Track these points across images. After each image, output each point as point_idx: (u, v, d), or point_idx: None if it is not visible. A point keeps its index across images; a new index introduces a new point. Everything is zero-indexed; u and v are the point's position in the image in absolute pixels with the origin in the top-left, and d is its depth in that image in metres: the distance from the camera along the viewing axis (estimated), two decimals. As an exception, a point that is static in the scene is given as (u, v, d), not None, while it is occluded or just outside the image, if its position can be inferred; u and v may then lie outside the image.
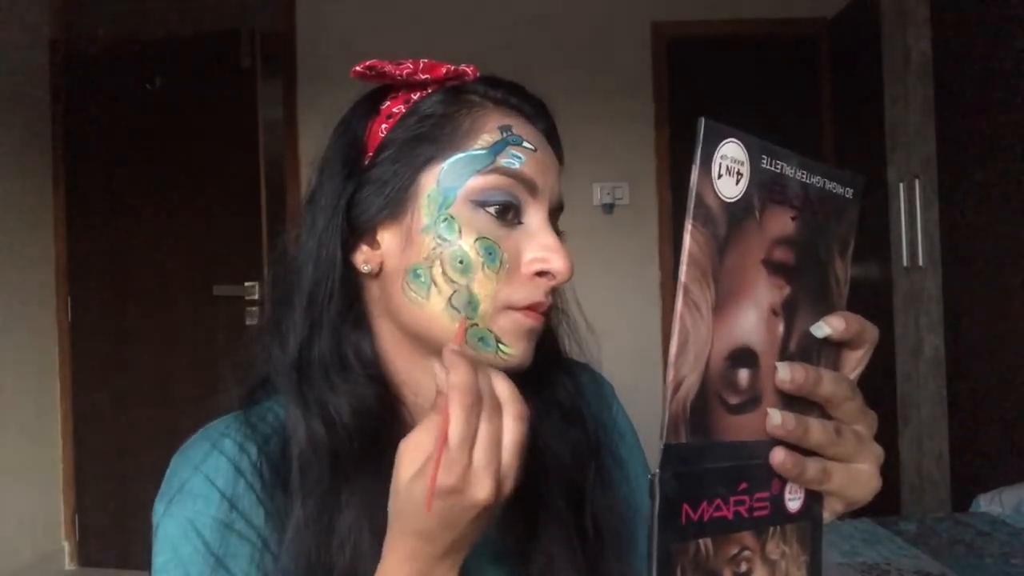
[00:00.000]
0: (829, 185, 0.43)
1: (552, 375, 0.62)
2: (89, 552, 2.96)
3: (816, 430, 0.40)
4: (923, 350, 2.36)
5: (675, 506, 0.36)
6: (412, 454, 0.44)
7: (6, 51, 2.73)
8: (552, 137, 0.59)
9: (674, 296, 0.36)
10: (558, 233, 0.56)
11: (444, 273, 0.52)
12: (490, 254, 0.52)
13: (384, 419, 0.54)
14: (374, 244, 0.55)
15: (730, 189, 0.37)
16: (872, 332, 0.43)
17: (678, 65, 3.10)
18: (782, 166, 0.40)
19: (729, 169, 0.37)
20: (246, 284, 2.81)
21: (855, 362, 0.44)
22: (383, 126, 0.56)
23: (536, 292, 0.53)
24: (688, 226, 0.36)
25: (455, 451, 0.42)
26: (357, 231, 0.55)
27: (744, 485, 0.39)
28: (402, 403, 0.58)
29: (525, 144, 0.54)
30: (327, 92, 3.12)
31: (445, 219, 0.52)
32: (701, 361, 0.36)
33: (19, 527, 2.71)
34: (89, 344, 2.97)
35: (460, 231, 0.52)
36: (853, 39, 2.88)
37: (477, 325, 0.52)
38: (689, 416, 0.36)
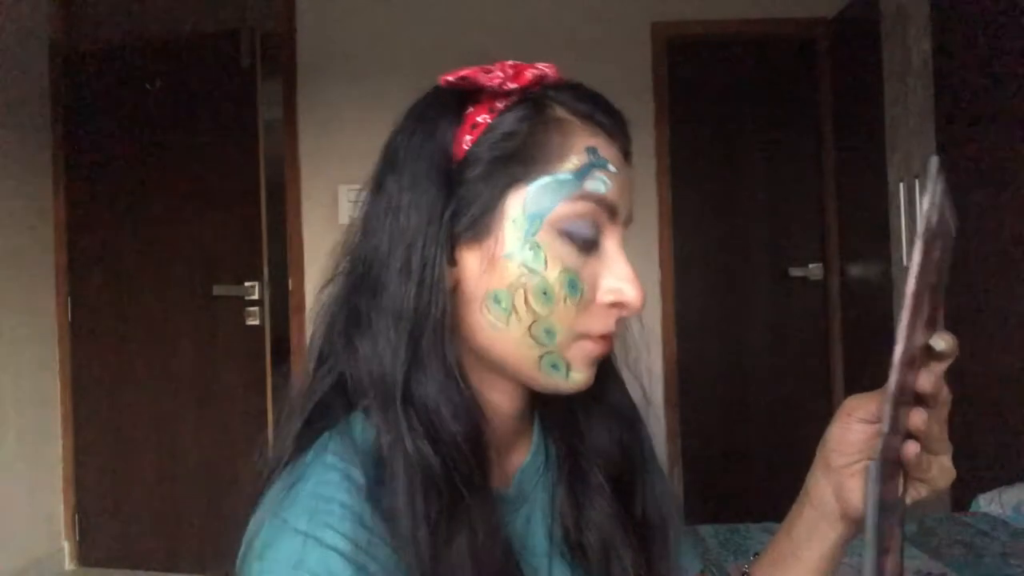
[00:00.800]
0: (949, 217, 0.49)
1: (608, 376, 0.62)
2: (89, 552, 2.95)
3: (936, 428, 0.49)
4: (923, 350, 2.36)
5: (881, 490, 0.43)
6: None
7: (6, 51, 2.73)
8: (629, 153, 0.58)
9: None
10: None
11: (526, 302, 0.51)
12: (573, 287, 0.52)
13: (482, 427, 0.53)
14: (452, 261, 0.53)
15: (935, 218, 0.44)
16: (957, 350, 0.49)
17: (678, 65, 3.10)
18: (945, 201, 0.46)
19: (936, 203, 0.44)
20: (246, 284, 2.81)
21: (942, 370, 0.50)
22: (468, 137, 0.54)
23: (609, 322, 0.54)
24: (919, 245, 0.42)
25: None
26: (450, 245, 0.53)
27: (893, 472, 0.46)
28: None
29: (610, 167, 0.54)
30: (327, 92, 3.12)
31: (531, 247, 0.51)
32: (906, 363, 0.43)
33: (19, 527, 2.72)
34: (89, 344, 2.97)
35: (546, 262, 0.51)
36: (853, 39, 2.88)
37: (552, 353, 0.52)
38: (894, 412, 0.43)
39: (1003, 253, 2.10)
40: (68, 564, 2.94)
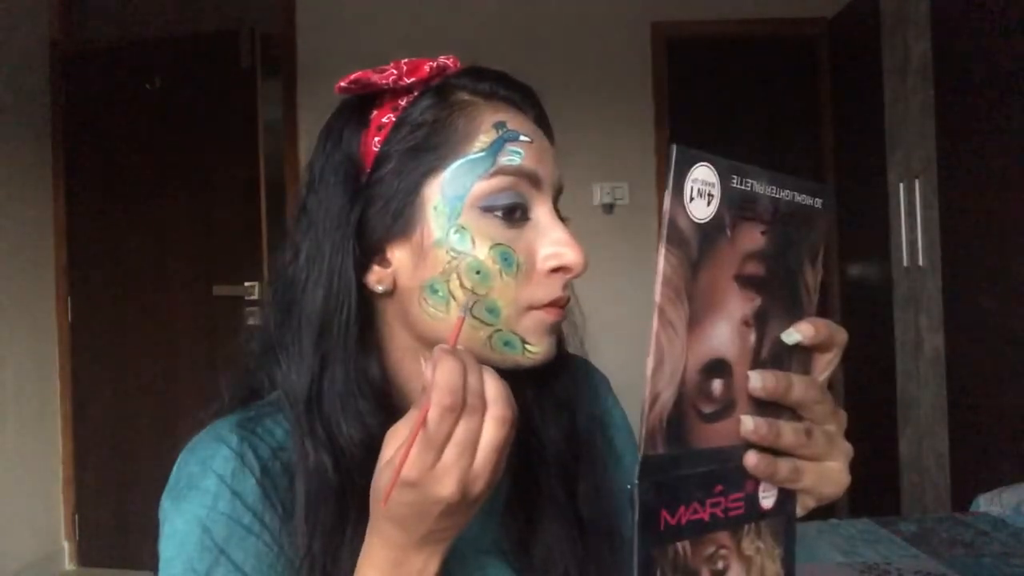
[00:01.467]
0: (799, 197, 0.44)
1: (551, 366, 0.62)
2: (89, 552, 2.96)
3: (788, 433, 0.43)
4: (923, 350, 2.36)
5: (654, 514, 0.38)
6: (391, 442, 0.45)
7: (6, 51, 2.73)
8: (543, 122, 0.58)
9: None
10: (562, 220, 0.56)
11: (462, 285, 0.51)
12: (506, 260, 0.52)
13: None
14: (384, 262, 0.54)
15: (701, 211, 0.39)
16: (840, 335, 0.45)
17: (678, 65, 3.10)
18: (752, 184, 0.42)
19: (700, 192, 0.39)
20: (246, 284, 2.81)
21: (825, 365, 0.46)
22: (376, 139, 0.54)
23: (554, 288, 0.53)
24: (662, 249, 0.38)
25: (422, 446, 0.43)
26: (367, 251, 0.54)
27: (720, 487, 0.41)
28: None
29: (522, 137, 0.53)
30: (327, 92, 3.07)
31: (456, 230, 0.52)
32: (676, 376, 0.39)
33: (19, 527, 2.72)
34: (89, 344, 2.97)
35: (473, 241, 0.51)
36: (853, 39, 2.88)
37: (501, 330, 0.52)
38: (665, 428, 0.39)
39: (1005, 252, 2.10)
40: (68, 564, 2.95)
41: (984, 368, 2.19)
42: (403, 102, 0.55)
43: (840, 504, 2.56)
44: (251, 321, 2.82)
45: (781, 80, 3.18)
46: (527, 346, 0.53)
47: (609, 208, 3.01)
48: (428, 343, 0.54)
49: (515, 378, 0.57)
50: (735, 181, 0.40)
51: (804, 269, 0.45)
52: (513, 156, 0.53)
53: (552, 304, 0.53)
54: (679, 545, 0.40)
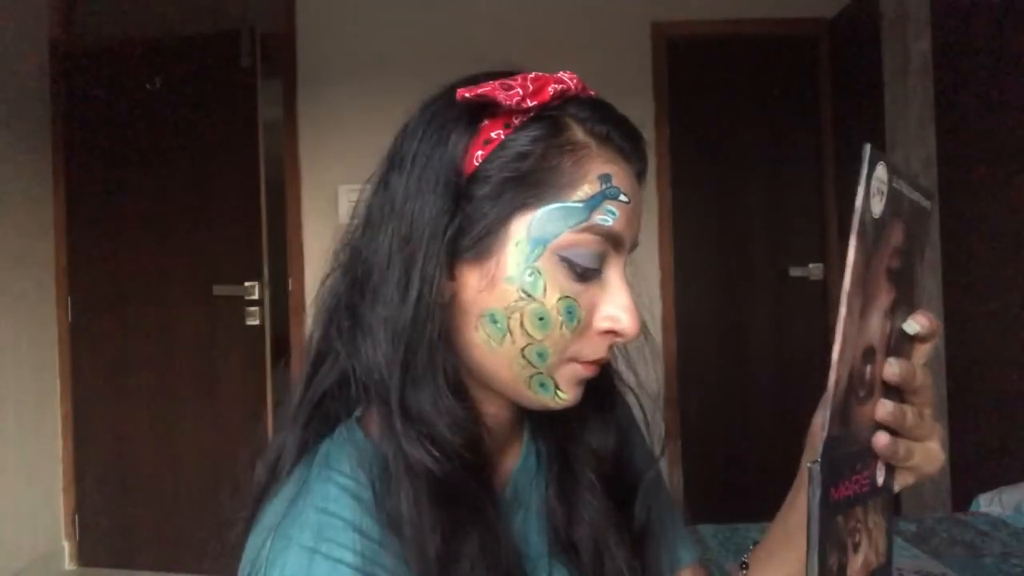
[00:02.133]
0: (916, 196, 0.48)
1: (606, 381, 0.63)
2: (89, 552, 2.95)
3: (909, 415, 0.47)
4: (923, 350, 2.36)
5: (827, 490, 0.42)
6: None
7: (6, 51, 2.73)
8: (643, 173, 0.58)
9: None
10: (628, 283, 0.55)
11: (522, 326, 0.51)
12: (570, 314, 0.51)
13: (482, 436, 0.54)
14: (451, 275, 0.53)
15: (877, 207, 0.42)
16: (939, 326, 0.49)
17: (678, 65, 3.10)
18: (901, 183, 0.45)
19: (879, 190, 0.42)
20: (246, 284, 2.81)
21: (925, 352, 0.49)
22: (479, 152, 0.52)
23: (601, 348, 0.54)
24: (853, 242, 0.41)
25: None
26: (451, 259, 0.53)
27: (859, 466, 0.46)
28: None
29: (621, 197, 0.52)
30: (327, 92, 3.12)
31: (531, 273, 0.51)
32: (849, 360, 0.42)
33: (19, 527, 2.71)
34: (89, 344, 2.97)
35: (545, 289, 0.51)
36: (853, 39, 2.88)
37: (542, 374, 0.53)
38: (840, 410, 0.42)
39: (1005, 251, 2.10)
40: (68, 564, 2.94)
41: (984, 368, 2.19)
42: (517, 120, 0.52)
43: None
44: (251, 321, 2.82)
45: (781, 80, 3.18)
46: (559, 392, 0.54)
47: (609, 208, 3.01)
48: (468, 367, 0.54)
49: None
50: (894, 180, 0.44)
51: (917, 263, 0.49)
52: (607, 216, 0.52)
53: (594, 362, 0.54)
54: (839, 519, 0.43)
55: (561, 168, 0.51)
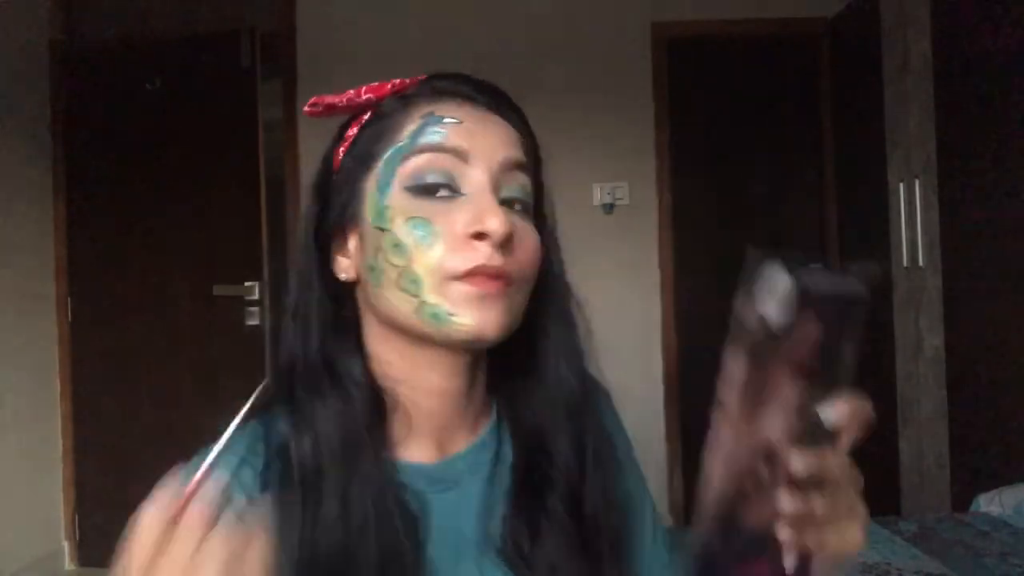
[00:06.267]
0: (846, 284, 0.46)
1: (563, 373, 0.62)
2: (89, 552, 2.95)
3: (818, 507, 0.44)
4: (923, 350, 2.36)
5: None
6: None
7: (6, 51, 2.73)
8: (502, 107, 0.60)
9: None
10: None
11: (388, 260, 0.55)
12: (422, 231, 0.54)
13: (372, 427, 0.57)
14: (346, 252, 0.60)
15: (770, 308, 0.42)
16: (867, 411, 0.45)
17: (678, 65, 3.09)
18: (811, 278, 0.44)
19: (771, 289, 0.42)
20: (246, 284, 2.81)
21: (849, 439, 0.47)
22: (342, 149, 0.61)
23: (475, 256, 0.53)
24: (728, 348, 0.41)
25: None
26: (333, 243, 0.60)
27: (758, 559, 0.45)
28: (397, 399, 0.59)
29: (446, 120, 0.56)
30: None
31: (380, 212, 0.56)
32: (731, 462, 0.42)
33: (19, 527, 2.71)
34: (89, 344, 2.97)
35: (392, 218, 0.55)
36: (853, 39, 2.88)
37: (426, 302, 0.54)
38: (720, 510, 0.43)
39: (1000, 257, 2.10)
40: (68, 564, 2.94)
41: (984, 368, 2.19)
42: (367, 116, 0.60)
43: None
44: (251, 321, 2.82)
45: (781, 80, 3.18)
46: (452, 318, 0.53)
47: (609, 208, 3.01)
48: (387, 323, 0.57)
49: (526, 389, 0.62)
50: (798, 277, 0.43)
51: (845, 349, 0.46)
52: (433, 136, 0.56)
53: (473, 273, 0.53)
54: None
55: (391, 124, 0.58)
